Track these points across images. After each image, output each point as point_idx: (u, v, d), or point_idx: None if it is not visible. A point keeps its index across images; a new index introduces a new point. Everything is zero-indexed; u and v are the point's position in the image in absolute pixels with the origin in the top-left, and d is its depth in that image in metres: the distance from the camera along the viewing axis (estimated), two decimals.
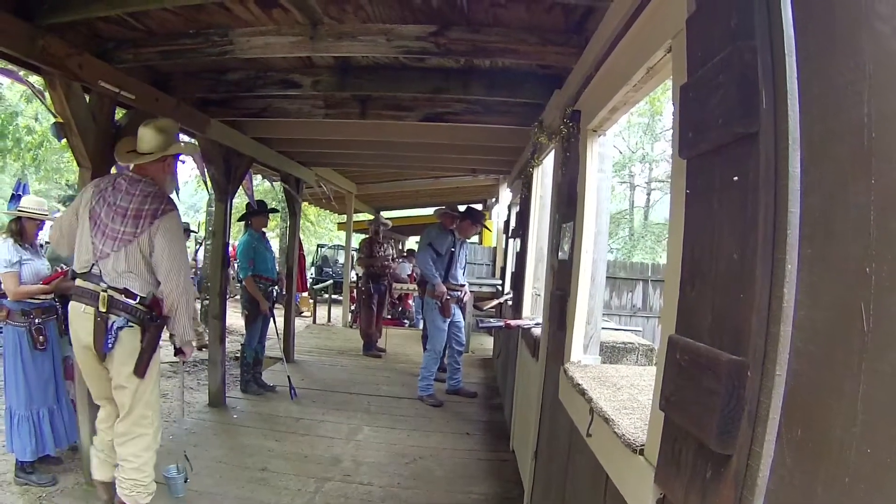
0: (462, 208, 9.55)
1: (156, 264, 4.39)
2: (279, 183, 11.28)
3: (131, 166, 4.79)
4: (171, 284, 4.38)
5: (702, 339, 1.73)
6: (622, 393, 3.16)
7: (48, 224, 5.75)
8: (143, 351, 4.39)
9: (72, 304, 4.50)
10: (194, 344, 5.00)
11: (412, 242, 25.07)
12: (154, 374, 4.55)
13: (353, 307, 16.21)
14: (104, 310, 4.32)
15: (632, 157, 38.77)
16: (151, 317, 4.43)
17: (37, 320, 5.43)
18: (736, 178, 1.61)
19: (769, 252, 1.48)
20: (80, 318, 4.41)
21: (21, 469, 5.36)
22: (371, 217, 16.72)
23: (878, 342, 1.15)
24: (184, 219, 4.95)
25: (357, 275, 13.63)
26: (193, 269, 12.97)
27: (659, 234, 37.05)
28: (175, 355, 4.84)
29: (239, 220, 9.52)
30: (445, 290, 8.79)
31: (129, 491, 4.53)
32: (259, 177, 12.26)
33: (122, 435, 4.54)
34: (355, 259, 12.76)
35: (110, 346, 4.35)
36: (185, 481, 5.11)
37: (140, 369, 4.38)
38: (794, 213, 1.43)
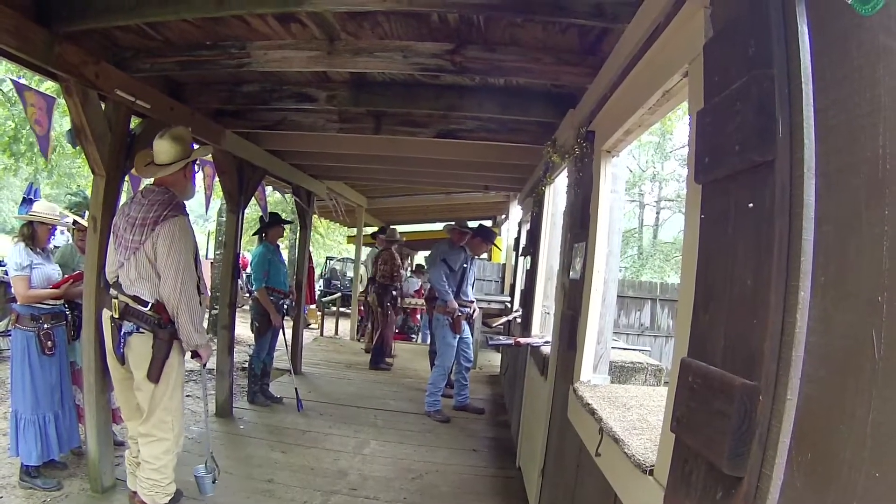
0: (473, 225, 9.55)
1: (158, 270, 4.48)
2: (290, 195, 11.33)
3: (152, 179, 4.85)
4: (168, 288, 4.46)
5: (714, 362, 1.74)
6: (632, 413, 3.17)
7: (59, 229, 5.80)
8: (154, 357, 4.51)
9: (103, 312, 4.75)
10: (213, 347, 5.00)
11: (420, 257, 25.03)
12: (172, 381, 4.63)
13: (360, 320, 16.22)
14: (117, 316, 4.53)
15: (642, 176, 38.70)
16: (160, 323, 4.51)
17: (45, 325, 5.43)
18: (751, 205, 1.63)
19: (783, 279, 1.50)
20: (105, 324, 4.70)
21: (26, 473, 5.35)
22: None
23: (889, 369, 1.17)
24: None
25: (369, 288, 13.67)
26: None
27: (668, 252, 36.89)
28: (192, 358, 4.87)
29: (254, 233, 9.57)
30: (457, 306, 8.78)
31: (147, 490, 4.68)
32: (270, 188, 12.30)
33: (143, 436, 4.67)
34: (378, 272, 12.80)
35: (122, 350, 4.57)
36: (214, 482, 5.11)
37: (152, 374, 4.51)
38: (809, 241, 1.45)
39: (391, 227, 14.61)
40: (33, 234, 5.51)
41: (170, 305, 4.48)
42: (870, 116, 1.26)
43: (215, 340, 8.24)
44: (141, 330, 4.51)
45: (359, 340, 15.55)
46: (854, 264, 1.31)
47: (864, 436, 1.20)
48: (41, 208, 5.66)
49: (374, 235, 13.75)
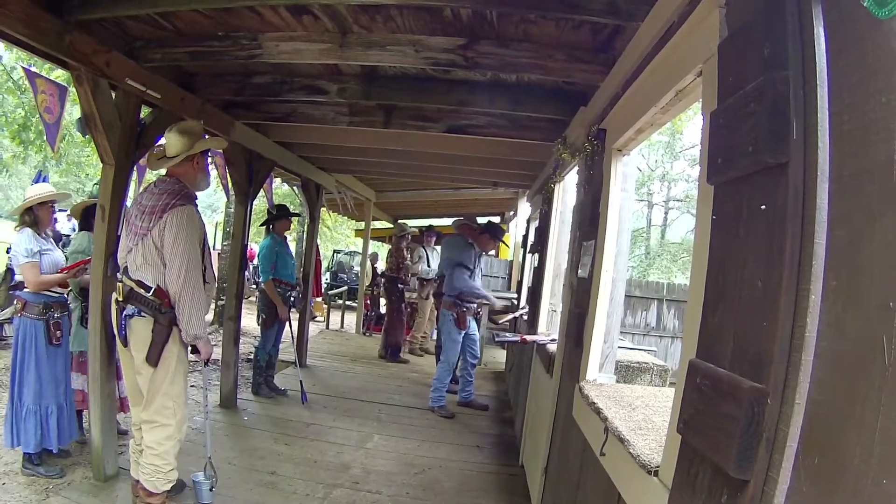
0: (482, 220, 9.55)
1: (165, 258, 4.55)
2: (298, 188, 11.37)
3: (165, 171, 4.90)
4: (172, 276, 4.53)
5: (723, 364, 1.74)
6: (637, 413, 3.16)
7: (64, 215, 5.80)
8: (153, 340, 4.58)
9: (113, 296, 4.83)
10: (212, 343, 5.00)
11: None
12: (172, 366, 4.68)
13: (366, 314, 16.25)
14: (121, 299, 4.64)
15: (651, 175, 38.65)
16: (160, 308, 4.57)
17: (56, 314, 5.44)
18: (763, 207, 1.62)
19: (794, 282, 1.49)
20: (113, 307, 4.78)
21: (28, 460, 5.37)
22: (391, 225, 16.95)
23: None
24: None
25: (381, 280, 13.81)
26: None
27: (675, 253, 36.87)
28: (192, 353, 4.88)
29: (261, 224, 9.59)
30: (502, 304, 8.84)
31: (148, 476, 4.71)
32: (279, 180, 12.32)
33: (146, 422, 4.73)
34: (387, 265, 12.97)
35: (123, 333, 4.68)
36: (211, 490, 5.13)
37: (151, 357, 4.58)
38: (821, 245, 1.44)
39: (400, 221, 14.68)
40: (36, 219, 5.49)
41: (173, 292, 4.55)
42: (885, 121, 1.25)
43: (220, 332, 8.25)
44: (142, 314, 4.59)
45: (364, 334, 15.61)
46: (866, 269, 1.31)
47: (873, 442, 1.20)
48: (33, 192, 5.60)
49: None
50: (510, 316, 10.49)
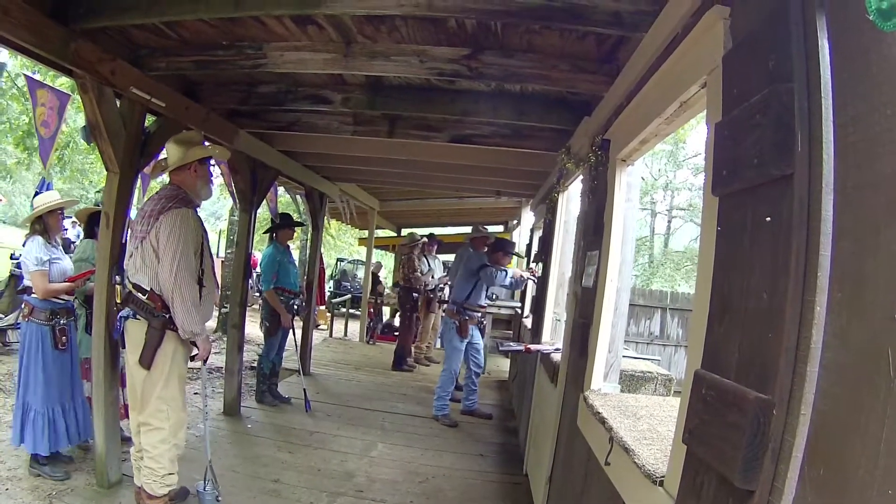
0: (491, 229, 9.59)
1: (158, 255, 4.59)
2: (301, 197, 11.39)
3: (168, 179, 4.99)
4: (164, 274, 4.56)
5: (728, 375, 1.74)
6: (642, 423, 3.16)
7: (69, 221, 5.86)
8: (147, 343, 4.62)
9: None
10: (213, 349, 5.03)
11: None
12: (166, 370, 4.72)
13: (369, 322, 16.24)
14: (119, 302, 4.82)
15: (654, 185, 38.56)
16: (153, 311, 4.62)
17: (62, 321, 5.50)
18: (768, 219, 1.63)
19: (799, 293, 1.49)
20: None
21: (35, 459, 5.42)
22: (394, 234, 16.92)
23: None
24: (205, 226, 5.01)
25: (396, 288, 13.86)
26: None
27: (678, 262, 36.74)
28: (192, 360, 4.93)
29: (265, 232, 9.62)
30: (524, 274, 8.96)
31: (146, 479, 4.78)
32: (281, 189, 12.34)
33: (142, 425, 4.79)
34: (400, 275, 13.00)
35: (118, 334, 4.83)
36: (217, 501, 5.13)
37: (144, 359, 4.63)
38: (826, 257, 1.45)
39: (411, 231, 14.68)
40: (46, 227, 5.56)
41: (165, 290, 4.59)
42: (889, 133, 1.26)
43: (224, 339, 8.24)
44: (137, 316, 4.66)
45: (367, 343, 15.61)
46: (870, 281, 1.31)
47: (878, 453, 1.20)
48: (41, 200, 5.69)
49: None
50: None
